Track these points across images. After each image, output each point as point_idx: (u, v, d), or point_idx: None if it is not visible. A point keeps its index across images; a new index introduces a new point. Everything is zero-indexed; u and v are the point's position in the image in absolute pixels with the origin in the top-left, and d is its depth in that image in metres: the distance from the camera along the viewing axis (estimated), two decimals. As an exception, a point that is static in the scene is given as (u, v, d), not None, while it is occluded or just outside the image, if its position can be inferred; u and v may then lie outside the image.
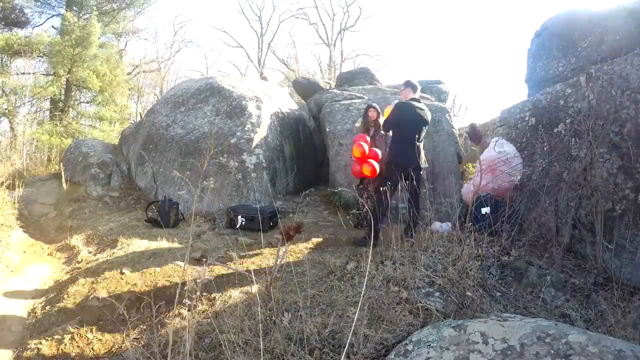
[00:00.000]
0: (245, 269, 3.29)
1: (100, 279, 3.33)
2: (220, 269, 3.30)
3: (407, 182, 3.83)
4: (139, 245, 4.07)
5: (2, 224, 4.46)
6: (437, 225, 4.25)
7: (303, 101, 8.36)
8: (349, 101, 6.62)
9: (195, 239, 4.21)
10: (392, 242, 3.10)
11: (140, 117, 10.02)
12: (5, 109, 9.79)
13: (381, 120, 4.64)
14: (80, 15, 11.65)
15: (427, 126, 4.11)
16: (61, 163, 6.72)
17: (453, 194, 4.88)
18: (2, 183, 5.24)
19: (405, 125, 3.96)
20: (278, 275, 2.97)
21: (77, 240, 4.37)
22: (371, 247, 2.15)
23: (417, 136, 3.97)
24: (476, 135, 3.14)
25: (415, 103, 4.03)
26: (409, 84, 4.16)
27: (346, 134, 5.91)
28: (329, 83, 9.14)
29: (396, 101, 4.23)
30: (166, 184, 5.62)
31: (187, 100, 6.51)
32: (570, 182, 3.70)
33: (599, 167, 3.57)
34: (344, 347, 1.96)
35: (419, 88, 4.22)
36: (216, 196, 5.22)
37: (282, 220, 4.81)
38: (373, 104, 4.93)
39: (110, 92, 11.02)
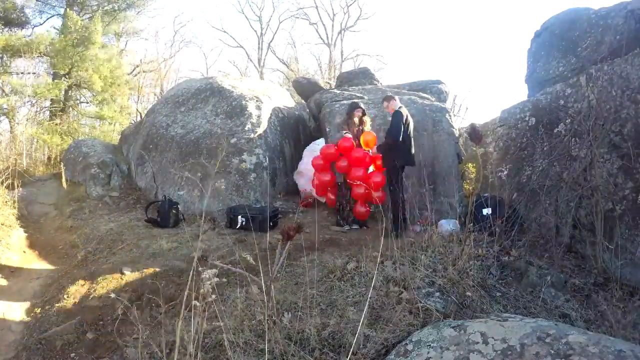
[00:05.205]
0: (244, 269, 3.28)
1: (100, 279, 3.33)
2: (219, 269, 3.30)
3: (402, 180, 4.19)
4: (139, 245, 4.07)
5: (2, 224, 4.46)
6: (443, 225, 4.21)
7: (303, 101, 8.34)
8: (349, 101, 6.61)
9: (195, 239, 4.20)
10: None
11: (140, 117, 10.01)
12: (6, 109, 9.78)
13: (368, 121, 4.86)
14: (81, 15, 11.63)
15: None
16: (61, 163, 6.71)
17: (453, 193, 4.88)
18: (2, 183, 5.24)
19: (406, 128, 4.36)
20: (278, 275, 2.96)
21: (77, 240, 4.37)
22: (371, 247, 2.14)
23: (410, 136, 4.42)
24: (476, 135, 3.13)
25: (404, 109, 4.49)
26: (390, 97, 4.57)
27: (346, 134, 5.89)
28: (329, 83, 9.11)
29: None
30: (166, 184, 5.62)
31: (187, 100, 6.51)
32: (570, 182, 3.70)
33: (599, 167, 3.57)
34: (344, 348, 1.96)
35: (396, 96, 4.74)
36: (216, 196, 5.22)
37: (282, 220, 4.81)
38: (360, 104, 4.94)
39: (110, 92, 11.00)
